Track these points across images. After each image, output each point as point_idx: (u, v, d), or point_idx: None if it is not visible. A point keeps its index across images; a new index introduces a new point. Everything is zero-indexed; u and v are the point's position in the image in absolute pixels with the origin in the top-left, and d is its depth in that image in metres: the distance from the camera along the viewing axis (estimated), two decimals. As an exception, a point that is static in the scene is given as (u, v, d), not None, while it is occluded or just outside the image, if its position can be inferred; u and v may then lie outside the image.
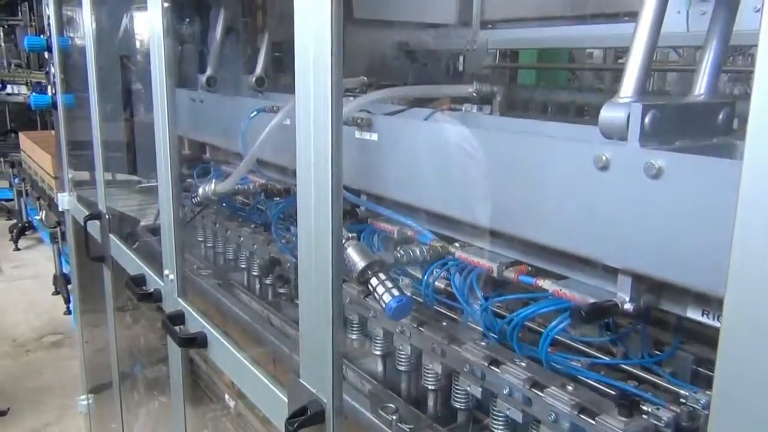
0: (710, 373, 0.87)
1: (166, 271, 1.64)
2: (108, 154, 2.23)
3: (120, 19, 2.53)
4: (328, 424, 1.00)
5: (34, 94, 3.61)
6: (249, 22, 2.42)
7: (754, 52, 0.86)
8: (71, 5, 2.64)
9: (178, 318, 1.56)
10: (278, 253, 1.58)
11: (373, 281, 1.05)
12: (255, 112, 1.63)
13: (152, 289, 1.77)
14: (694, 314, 0.82)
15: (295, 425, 1.00)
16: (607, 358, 0.97)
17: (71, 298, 4.14)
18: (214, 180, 1.71)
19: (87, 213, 2.30)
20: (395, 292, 1.03)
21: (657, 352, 0.96)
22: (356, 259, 1.05)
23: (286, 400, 1.10)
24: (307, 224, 0.98)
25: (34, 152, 5.75)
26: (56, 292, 5.44)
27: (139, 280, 1.84)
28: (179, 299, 1.60)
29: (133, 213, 2.38)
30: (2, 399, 3.95)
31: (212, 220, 1.93)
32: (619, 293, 0.86)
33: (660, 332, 0.97)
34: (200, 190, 1.70)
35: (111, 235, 2.18)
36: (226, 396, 1.90)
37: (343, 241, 1.02)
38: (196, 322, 1.50)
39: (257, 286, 1.74)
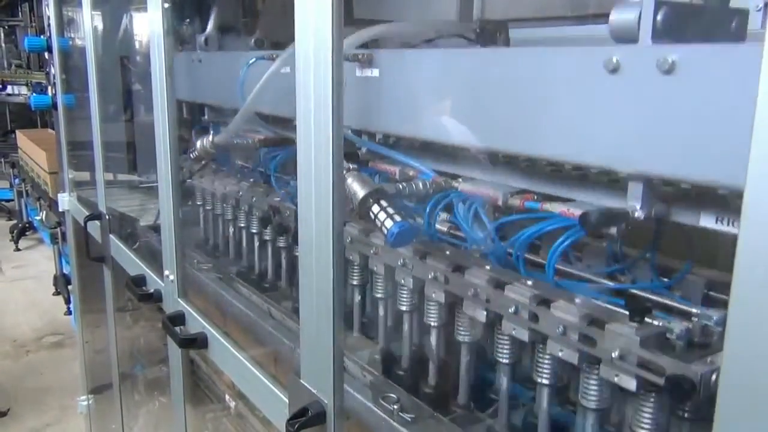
0: (722, 296, 0.86)
1: (166, 272, 1.64)
2: (108, 154, 2.23)
3: (120, 19, 2.53)
4: (329, 425, 1.00)
5: (34, 94, 3.60)
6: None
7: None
8: (71, 6, 2.64)
9: (179, 318, 1.56)
10: (277, 202, 1.56)
11: (375, 208, 1.01)
12: (254, 59, 1.57)
13: (152, 290, 1.77)
14: (707, 222, 0.79)
15: (296, 426, 0.99)
16: (614, 284, 0.95)
17: (71, 299, 4.13)
18: (211, 132, 1.67)
19: (87, 213, 2.30)
20: (397, 218, 1.00)
21: (666, 279, 0.94)
22: (357, 188, 1.02)
23: (287, 400, 1.10)
24: (308, 217, 0.98)
25: (30, 149, 5.78)
26: (57, 293, 5.44)
27: (140, 281, 1.84)
28: (179, 300, 1.59)
29: (133, 213, 2.38)
30: (2, 399, 3.95)
31: (210, 179, 1.90)
32: (630, 202, 0.83)
33: (669, 260, 0.95)
34: (198, 144, 1.67)
35: (111, 236, 2.17)
36: (227, 396, 1.89)
37: (344, 172, 0.99)
38: (197, 322, 1.50)
39: (255, 243, 1.72)
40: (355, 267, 1.30)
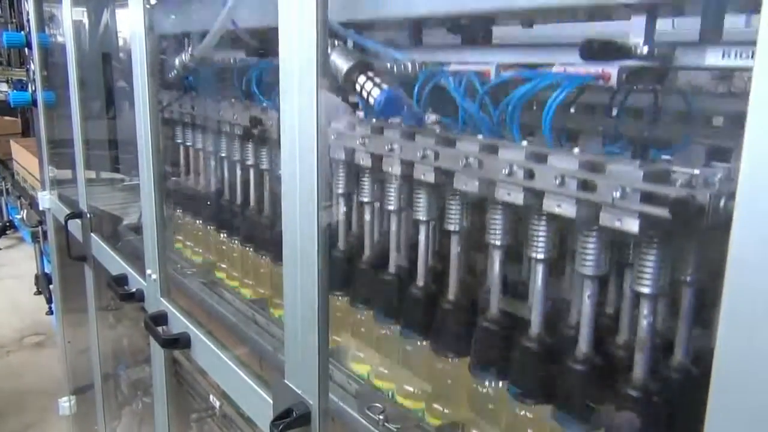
0: (724, 163, 0.81)
1: (148, 271, 1.62)
2: (91, 152, 2.20)
3: (100, 15, 2.50)
4: (314, 426, 0.99)
5: (13, 91, 3.55)
6: None
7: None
8: (52, 2, 2.60)
9: (161, 318, 1.54)
10: (259, 113, 1.46)
11: (361, 79, 0.96)
12: None
13: (134, 289, 1.75)
14: (713, 59, 0.75)
15: (281, 427, 0.98)
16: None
17: (53, 299, 4.08)
18: (190, 46, 1.60)
19: (68, 212, 2.27)
20: (384, 86, 0.94)
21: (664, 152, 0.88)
22: (341, 62, 0.96)
23: (271, 401, 1.09)
24: (292, 207, 0.97)
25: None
26: (38, 292, 5.36)
27: (121, 280, 1.81)
28: (162, 299, 1.58)
29: (115, 211, 2.35)
30: (-18, 401, 3.90)
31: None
32: (633, 39, 0.79)
33: (669, 130, 0.90)
34: (176, 61, 1.58)
35: (92, 234, 2.15)
36: (211, 396, 1.88)
37: (328, 49, 0.93)
38: (179, 322, 1.48)
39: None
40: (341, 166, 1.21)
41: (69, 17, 2.10)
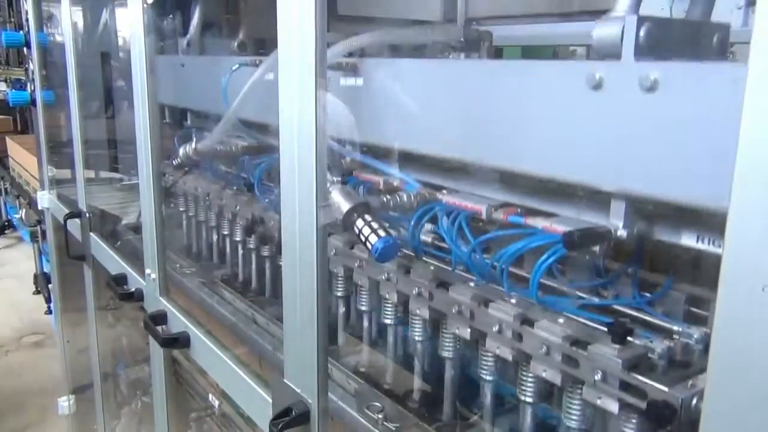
0: (704, 313, 0.87)
1: (147, 270, 1.62)
2: (88, 151, 2.20)
3: (99, 14, 2.50)
4: (313, 425, 0.99)
5: (12, 90, 3.55)
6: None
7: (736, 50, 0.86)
8: (51, 1, 2.60)
9: (160, 318, 1.54)
10: (262, 211, 1.55)
11: (359, 223, 1.01)
12: (237, 65, 1.56)
13: (134, 289, 1.75)
14: (688, 241, 0.80)
15: (280, 426, 0.99)
16: (597, 300, 0.96)
17: (52, 298, 4.08)
18: (194, 139, 1.67)
19: (67, 211, 2.27)
20: (381, 233, 0.99)
21: (648, 294, 0.95)
22: (341, 202, 1.01)
23: (271, 400, 1.09)
24: (291, 216, 0.97)
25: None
26: (37, 292, 5.36)
27: (121, 280, 1.81)
28: (161, 298, 1.58)
29: (114, 211, 2.35)
30: (-19, 401, 3.90)
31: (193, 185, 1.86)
32: (613, 220, 0.84)
33: (651, 275, 0.95)
34: (181, 151, 1.66)
35: (92, 234, 2.15)
36: (210, 396, 1.88)
37: (328, 185, 0.98)
38: (179, 321, 1.48)
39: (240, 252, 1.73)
40: (339, 279, 1.30)
41: (68, 16, 2.10)
